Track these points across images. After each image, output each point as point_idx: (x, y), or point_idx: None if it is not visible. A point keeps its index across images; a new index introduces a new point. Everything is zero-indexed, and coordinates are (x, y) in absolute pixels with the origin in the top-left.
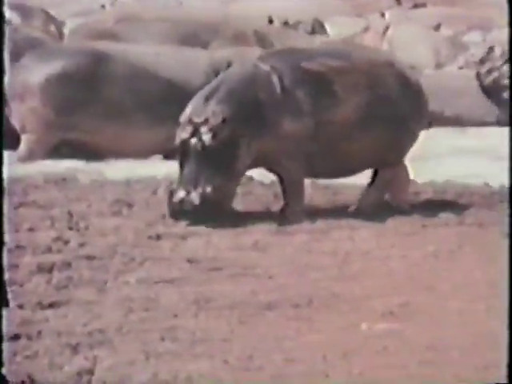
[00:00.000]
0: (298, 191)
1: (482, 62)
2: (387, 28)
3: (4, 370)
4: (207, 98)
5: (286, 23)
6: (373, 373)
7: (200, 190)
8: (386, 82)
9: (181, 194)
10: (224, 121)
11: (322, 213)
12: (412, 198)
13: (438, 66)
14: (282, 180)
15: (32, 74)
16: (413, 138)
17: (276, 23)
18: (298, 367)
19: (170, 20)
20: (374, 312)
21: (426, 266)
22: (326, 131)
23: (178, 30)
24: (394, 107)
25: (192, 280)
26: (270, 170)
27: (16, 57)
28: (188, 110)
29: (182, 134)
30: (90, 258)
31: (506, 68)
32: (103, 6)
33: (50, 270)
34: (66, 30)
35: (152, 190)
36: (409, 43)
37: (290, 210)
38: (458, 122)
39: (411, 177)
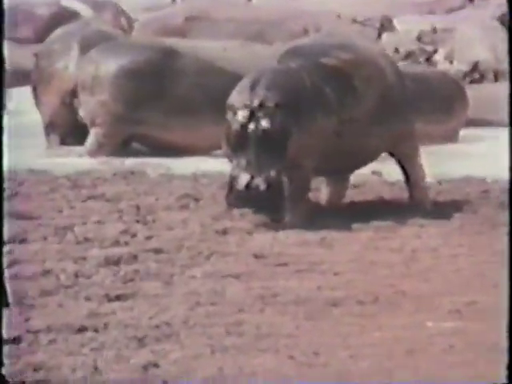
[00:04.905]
0: (304, 191)
1: None
2: (452, 27)
3: (4, 370)
4: (252, 87)
5: (354, 20)
6: (438, 371)
7: (265, 174)
8: (386, 72)
9: (245, 179)
10: (278, 105)
11: (389, 209)
12: (470, 197)
13: (498, 61)
14: (291, 179)
15: (102, 67)
16: (412, 126)
17: (344, 20)
18: (363, 364)
19: (236, 19)
20: (440, 310)
21: (493, 265)
22: (349, 128)
23: (244, 29)
24: (397, 97)
25: (258, 275)
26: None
27: (86, 49)
28: (236, 97)
29: (239, 118)
30: (156, 251)
31: None
32: (173, 1)
33: (117, 262)
34: (135, 24)
35: (219, 184)
36: (471, 42)
37: (291, 212)
38: None
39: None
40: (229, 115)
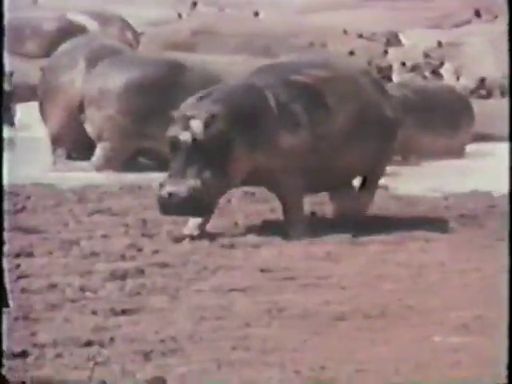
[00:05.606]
0: (298, 208)
1: None
2: (459, 42)
3: (4, 370)
4: (201, 98)
5: (360, 35)
6: None
7: (188, 183)
8: (366, 88)
9: (169, 187)
10: (214, 116)
11: (397, 223)
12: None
13: (505, 77)
14: (280, 197)
15: (109, 82)
16: (395, 143)
17: (350, 35)
18: (370, 378)
19: (243, 34)
20: (447, 325)
21: (500, 279)
22: (323, 144)
23: (251, 44)
24: (377, 113)
25: (264, 289)
26: (268, 188)
27: (93, 64)
28: (181, 108)
29: (174, 128)
30: (163, 265)
31: None
32: (180, 16)
33: (124, 277)
34: (142, 38)
35: (226, 198)
36: (478, 56)
37: (290, 228)
38: None
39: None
40: (170, 126)
